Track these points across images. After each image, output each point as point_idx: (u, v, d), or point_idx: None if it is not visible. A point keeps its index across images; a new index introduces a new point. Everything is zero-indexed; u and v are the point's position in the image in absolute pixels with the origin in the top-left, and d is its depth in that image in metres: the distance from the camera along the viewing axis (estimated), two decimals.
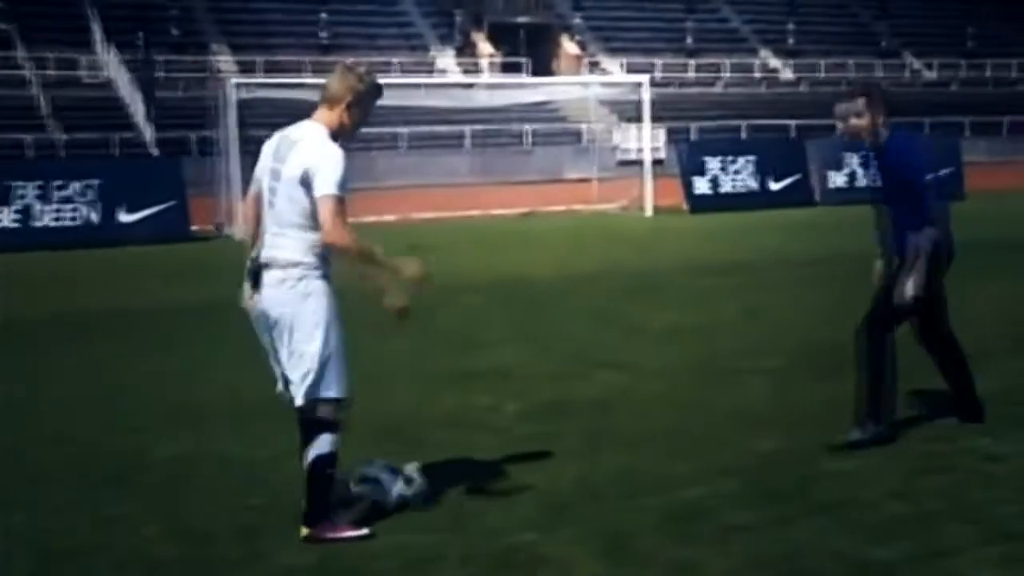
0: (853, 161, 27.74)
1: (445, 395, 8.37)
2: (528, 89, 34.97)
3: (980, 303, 11.83)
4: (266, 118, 29.81)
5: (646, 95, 26.94)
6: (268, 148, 5.57)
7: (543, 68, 45.83)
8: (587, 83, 37.09)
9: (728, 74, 48.44)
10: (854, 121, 6.66)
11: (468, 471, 6.34)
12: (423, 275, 5.46)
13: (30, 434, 7.62)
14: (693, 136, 39.50)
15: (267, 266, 5.43)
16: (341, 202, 5.25)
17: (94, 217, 21.50)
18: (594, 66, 46.78)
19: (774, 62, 51.20)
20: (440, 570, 5.03)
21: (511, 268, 16.42)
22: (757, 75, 49.47)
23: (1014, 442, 6.62)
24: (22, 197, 21.15)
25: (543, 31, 49.65)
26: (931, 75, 52.46)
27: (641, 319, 11.54)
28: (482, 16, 48.90)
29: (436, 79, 39.54)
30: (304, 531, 5.41)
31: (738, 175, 26.44)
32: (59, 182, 21.43)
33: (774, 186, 26.56)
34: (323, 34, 44.16)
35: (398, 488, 5.71)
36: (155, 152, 34.25)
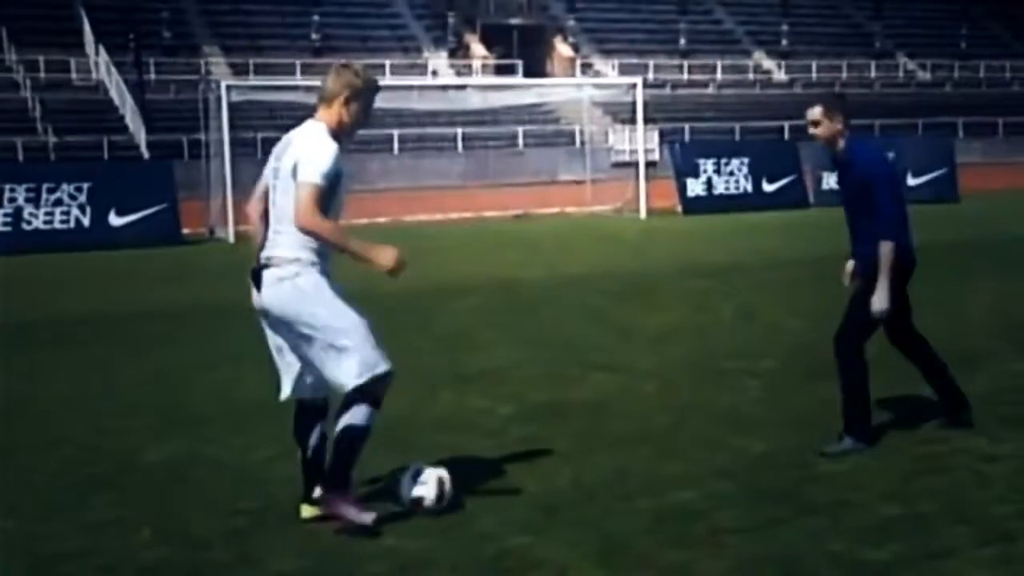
0: None
1: (439, 397, 8.34)
2: (521, 91, 34.95)
3: (975, 304, 11.86)
4: (258, 120, 29.87)
5: (639, 97, 26.94)
6: (275, 150, 5.66)
7: (536, 70, 45.84)
8: (580, 85, 37.09)
9: (721, 75, 48.47)
10: (812, 130, 6.62)
11: (461, 474, 6.23)
12: (398, 262, 5.42)
13: (19, 437, 7.58)
14: (687, 138, 39.50)
15: (266, 265, 5.46)
16: (319, 190, 5.27)
17: (85, 220, 21.44)
18: (587, 68, 46.81)
19: (767, 63, 51.24)
20: (433, 574, 5.00)
21: (505, 270, 16.39)
22: (751, 76, 49.51)
23: (1009, 442, 6.61)
24: (12, 200, 21.09)
25: (536, 33, 49.67)
26: (925, 76, 52.55)
27: (635, 321, 11.52)
28: (475, 18, 48.92)
29: (429, 81, 39.50)
30: (309, 510, 5.53)
31: (732, 177, 26.44)
32: (50, 185, 21.36)
33: (768, 188, 26.56)
34: (315, 36, 44.14)
35: (413, 489, 5.67)
36: (146, 155, 34.19)
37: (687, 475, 6.18)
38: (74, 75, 38.20)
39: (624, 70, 43.64)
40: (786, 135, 39.15)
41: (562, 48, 48.85)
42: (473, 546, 5.27)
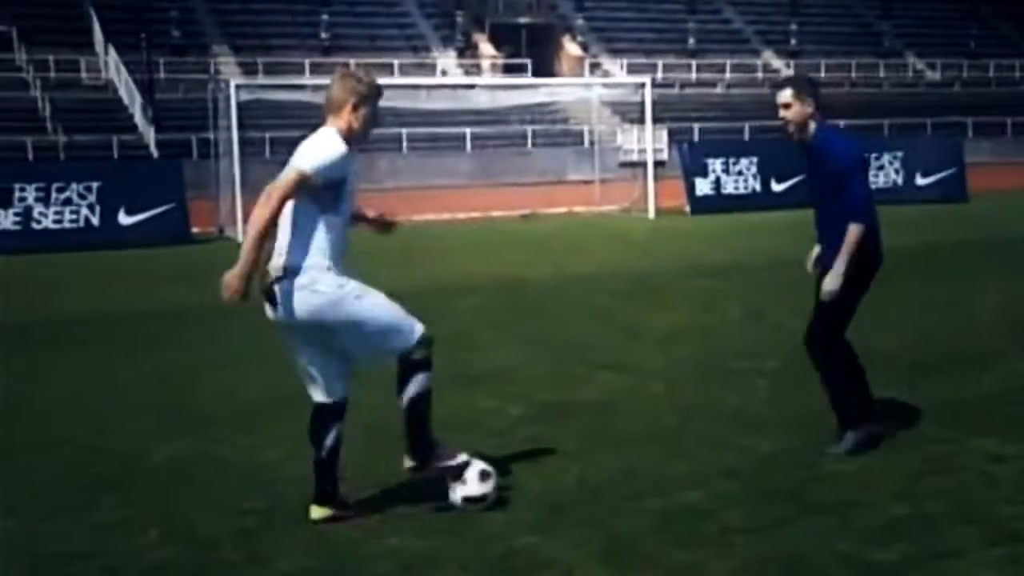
0: None
1: (446, 397, 8.25)
2: (530, 90, 34.97)
3: (983, 303, 11.83)
4: (267, 120, 29.93)
5: (648, 96, 26.92)
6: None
7: (545, 69, 45.82)
8: (589, 84, 37.08)
9: (730, 75, 48.42)
10: (782, 113, 6.40)
11: None
12: (228, 287, 5.39)
13: (21, 437, 7.59)
14: (695, 137, 39.46)
15: (280, 278, 5.45)
16: (301, 178, 5.29)
17: (94, 219, 21.50)
18: (596, 67, 46.78)
19: (776, 63, 51.17)
20: (440, 574, 5.01)
21: (512, 269, 16.39)
22: (759, 76, 49.44)
23: (1017, 442, 6.58)
24: (23, 199, 21.15)
25: (545, 32, 49.66)
26: (934, 75, 52.44)
27: (642, 320, 11.52)
28: (484, 17, 48.92)
29: (438, 80, 39.52)
30: (318, 511, 5.62)
31: (740, 176, 26.40)
32: (59, 184, 21.43)
33: (777, 187, 26.52)
34: (324, 35, 44.17)
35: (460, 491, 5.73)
36: (155, 154, 34.24)
37: (694, 475, 6.18)
38: (83, 74, 38.28)
39: (633, 69, 43.61)
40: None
41: (571, 47, 48.83)
42: (480, 546, 5.27)
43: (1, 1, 38.37)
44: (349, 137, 5.51)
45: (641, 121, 28.25)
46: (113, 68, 38.48)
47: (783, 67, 50.71)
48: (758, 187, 26.41)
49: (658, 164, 27.05)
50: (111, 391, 8.92)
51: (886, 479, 6.01)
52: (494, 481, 5.76)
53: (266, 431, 7.40)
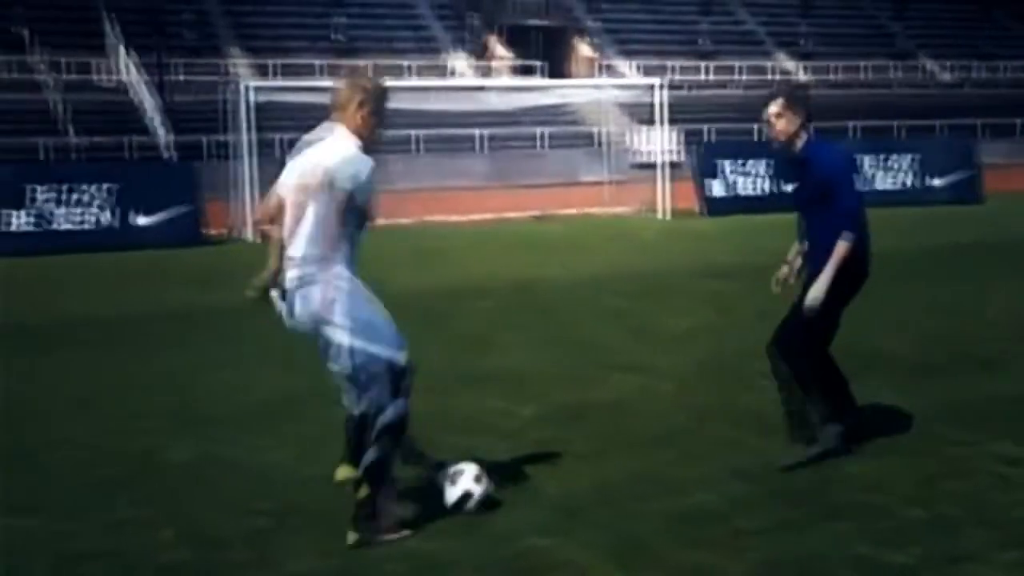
0: (869, 163, 27.67)
1: (458, 398, 8.35)
2: (542, 92, 34.95)
3: (995, 305, 11.80)
4: (281, 121, 29.94)
5: (660, 98, 26.91)
6: (296, 160, 5.64)
7: (557, 71, 45.81)
8: (601, 86, 37.07)
9: (743, 76, 48.37)
10: (773, 123, 6.34)
11: None
12: (255, 287, 5.58)
13: (41, 437, 7.63)
14: (708, 139, 39.42)
15: (295, 286, 5.47)
16: (346, 197, 5.33)
17: (109, 220, 21.58)
18: (608, 69, 46.74)
19: (789, 64, 51.10)
20: (453, 575, 5.02)
21: (525, 271, 16.40)
22: (772, 77, 49.36)
23: None
24: (38, 201, 21.24)
25: (557, 34, 49.65)
26: (946, 77, 52.31)
27: (655, 321, 11.52)
28: (497, 19, 48.91)
29: (451, 82, 39.55)
30: (344, 471, 5.52)
31: (753, 177, 26.37)
32: (75, 185, 21.52)
33: (789, 188, 26.47)
34: (338, 37, 44.24)
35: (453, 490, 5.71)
36: (169, 156, 34.33)
37: (707, 477, 6.18)
38: (98, 76, 38.40)
39: (645, 71, 43.59)
40: None
41: (583, 49, 48.82)
42: (493, 547, 5.28)
43: (16, 3, 38.48)
44: (360, 138, 5.51)
45: (653, 123, 28.24)
46: (127, 70, 38.59)
47: (795, 68, 50.65)
48: (771, 188, 26.37)
49: (671, 165, 27.03)
50: (121, 392, 8.95)
51: (900, 482, 6.00)
52: (487, 482, 5.74)
53: (274, 432, 7.43)
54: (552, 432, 7.29)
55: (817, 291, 6.20)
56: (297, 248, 5.46)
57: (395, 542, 5.36)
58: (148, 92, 37.51)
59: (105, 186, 21.61)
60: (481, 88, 35.40)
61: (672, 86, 32.15)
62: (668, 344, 10.23)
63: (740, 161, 26.35)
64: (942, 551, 5.05)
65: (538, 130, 40.68)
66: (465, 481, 5.69)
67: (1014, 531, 5.26)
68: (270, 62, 40.07)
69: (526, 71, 45.08)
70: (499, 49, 47.31)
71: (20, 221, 21.16)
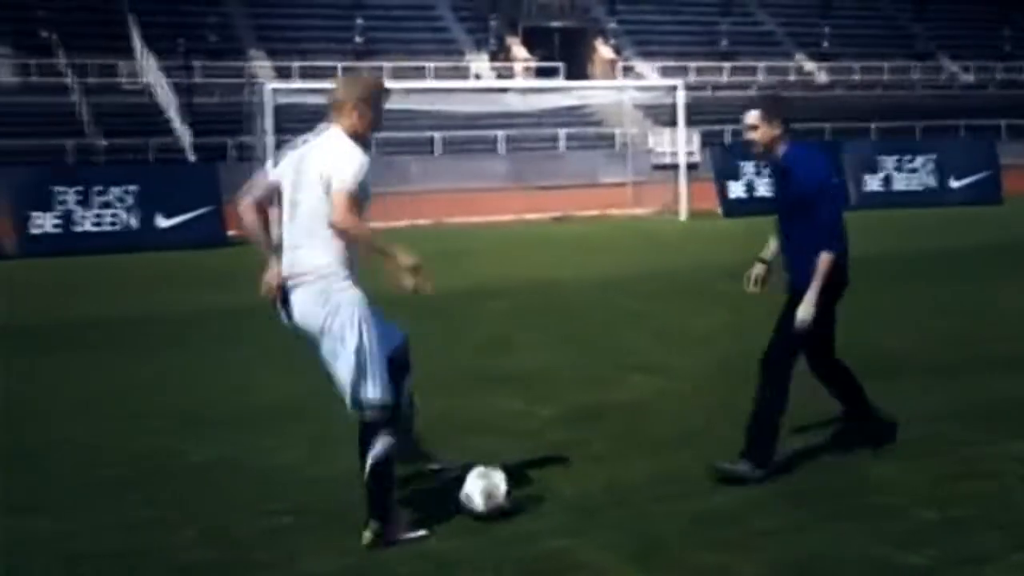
0: (889, 164, 27.64)
1: (477, 399, 8.39)
2: (562, 93, 35.00)
3: (1014, 306, 11.78)
4: (302, 123, 30.15)
5: (680, 99, 26.94)
6: (291, 157, 5.65)
7: (577, 72, 45.81)
8: (621, 87, 37.10)
9: (762, 77, 48.28)
10: (749, 135, 6.29)
11: None
12: (417, 266, 5.43)
13: (57, 437, 7.68)
14: (727, 140, 39.41)
15: (293, 285, 5.45)
16: (353, 196, 5.30)
17: (132, 222, 21.75)
18: (628, 70, 46.74)
19: (809, 65, 50.99)
20: (473, 574, 5.05)
21: (544, 272, 16.43)
22: (791, 78, 49.27)
23: None
24: (63, 202, 21.44)
25: (577, 35, 49.65)
26: (968, 77, 52.07)
27: (673, 323, 11.56)
28: (517, 21, 48.95)
29: (471, 84, 39.64)
30: (368, 535, 5.38)
31: (773, 179, 26.35)
32: (99, 187, 21.70)
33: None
34: (359, 39, 44.38)
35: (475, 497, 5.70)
36: (192, 158, 34.51)
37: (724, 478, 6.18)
38: (122, 79, 38.63)
39: (665, 72, 43.59)
40: (827, 137, 38.96)
41: (603, 50, 48.82)
42: (511, 548, 5.30)
43: (43, 7, 38.77)
44: (356, 137, 5.51)
45: (673, 124, 28.28)
46: (151, 72, 38.82)
47: (815, 69, 50.55)
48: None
49: (690, 167, 27.06)
50: (132, 393, 9.00)
51: (915, 483, 6.01)
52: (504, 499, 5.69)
53: (284, 432, 7.46)
54: (570, 433, 7.32)
55: (805, 313, 6.16)
56: (291, 247, 5.47)
57: (412, 542, 5.41)
58: (171, 94, 37.72)
59: (128, 188, 21.80)
60: (501, 90, 35.47)
61: (691, 87, 32.21)
62: (686, 345, 10.28)
63: (759, 162, 26.32)
64: (956, 552, 5.07)
65: (558, 131, 40.72)
66: (479, 486, 5.67)
67: None
68: (291, 64, 40.23)
69: (546, 73, 45.10)
70: (519, 51, 47.37)
71: (45, 223, 21.36)
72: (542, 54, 47.05)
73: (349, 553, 5.31)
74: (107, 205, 21.68)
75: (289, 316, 5.50)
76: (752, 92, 46.31)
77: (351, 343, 5.35)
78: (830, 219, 6.18)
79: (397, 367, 5.63)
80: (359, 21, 44.82)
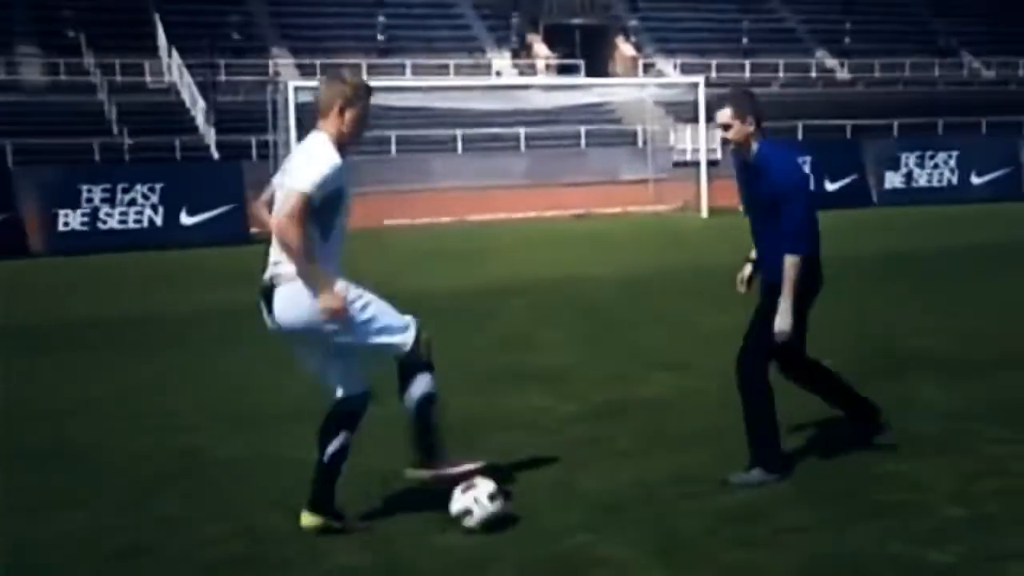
0: (910, 161, 27.61)
1: (500, 396, 8.43)
2: (583, 91, 35.06)
3: None
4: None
5: (702, 96, 26.96)
6: (285, 162, 5.71)
7: (599, 70, 45.86)
8: (642, 84, 37.12)
9: (784, 74, 48.23)
10: (722, 133, 6.16)
11: (522, 473, 6.38)
12: (335, 311, 5.34)
13: (87, 433, 7.76)
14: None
15: (274, 285, 5.45)
16: (305, 199, 5.23)
17: (157, 219, 21.94)
18: (649, 67, 46.75)
19: (830, 62, 50.88)
20: (495, 571, 5.07)
21: (566, 269, 16.48)
22: (812, 75, 49.21)
23: None
24: (90, 200, 21.65)
25: (599, 33, 49.69)
26: (989, 74, 51.89)
27: (696, 320, 11.58)
28: (538, 18, 49.03)
29: (492, 81, 39.73)
30: (421, 473, 5.66)
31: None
32: (124, 185, 21.91)
33: (831, 186, 26.47)
34: (381, 37, 44.53)
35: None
36: (216, 155, 34.72)
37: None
38: (148, 78, 38.88)
39: (686, 69, 43.57)
40: (848, 134, 38.90)
41: (624, 48, 48.83)
42: (535, 544, 5.32)
43: (70, 7, 39.05)
44: (340, 141, 5.47)
45: (694, 121, 28.31)
46: (176, 71, 39.05)
47: (836, 66, 50.45)
48: (811, 186, 26.34)
49: (712, 164, 27.09)
50: (161, 390, 9.09)
51: (942, 480, 6.00)
52: (502, 503, 5.57)
53: (313, 428, 7.52)
54: (593, 430, 7.34)
55: (783, 323, 6.05)
56: (274, 248, 5.49)
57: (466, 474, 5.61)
58: (196, 93, 37.94)
59: (153, 185, 22.00)
60: (523, 87, 35.54)
61: (712, 84, 32.15)
62: (708, 342, 10.27)
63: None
64: (983, 550, 5.05)
65: (579, 129, 40.77)
66: (471, 498, 5.52)
67: None
68: (314, 62, 40.40)
69: (567, 70, 45.16)
70: (540, 48, 47.42)
71: (72, 220, 21.58)
72: (563, 51, 47.12)
73: (376, 549, 5.35)
74: (132, 203, 21.88)
75: (271, 318, 5.50)
76: (774, 89, 46.36)
77: (355, 313, 5.41)
78: (799, 220, 6.02)
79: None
80: (381, 19, 44.97)
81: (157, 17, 40.78)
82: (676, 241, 20.58)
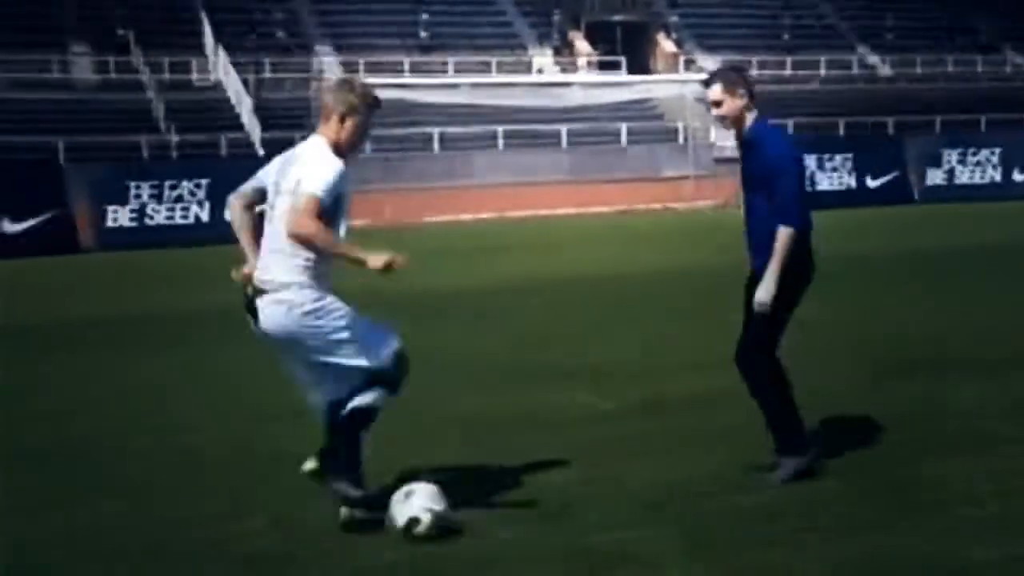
0: (952, 158, 27.58)
1: (537, 393, 8.47)
2: (625, 87, 35.13)
3: None
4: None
5: None
6: (278, 161, 5.66)
7: (639, 66, 45.93)
8: (684, 81, 37.18)
9: (825, 71, 48.08)
10: (714, 111, 6.15)
11: (556, 470, 6.41)
12: (388, 264, 5.28)
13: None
14: (790, 133, 39.37)
15: (262, 291, 5.44)
16: (319, 203, 5.22)
17: (203, 215, 22.35)
18: (690, 64, 46.77)
19: (872, 58, 50.68)
20: (531, 565, 5.09)
21: (605, 266, 16.58)
22: (854, 71, 49.01)
23: None
24: (138, 196, 22.10)
25: (640, 29, 49.69)
26: None
27: (734, 316, 11.67)
28: (579, 15, 49.13)
29: (534, 78, 39.93)
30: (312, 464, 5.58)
31: (835, 172, 26.39)
32: (172, 182, 22.35)
33: (872, 184, 26.49)
34: (423, 34, 44.85)
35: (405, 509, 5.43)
36: (261, 153, 35.13)
37: None
38: (194, 76, 39.38)
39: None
40: (890, 130, 38.81)
41: (665, 44, 48.87)
42: (566, 539, 5.33)
43: (120, 6, 39.63)
44: (338, 149, 5.44)
45: None
46: (222, 69, 39.54)
47: (878, 62, 50.24)
48: (852, 183, 26.40)
49: None
50: (202, 384, 9.23)
51: (975, 479, 5.96)
52: (446, 505, 5.44)
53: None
54: (629, 427, 7.36)
55: (765, 294, 5.93)
56: (266, 251, 5.48)
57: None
58: (241, 90, 38.40)
59: (199, 182, 22.42)
60: (564, 84, 35.70)
61: (754, 81, 32.16)
62: None
63: (822, 156, 26.38)
64: (1016, 548, 5.03)
65: (620, 125, 40.89)
66: (415, 506, 5.40)
67: None
68: (357, 59, 40.77)
69: (608, 67, 45.27)
70: (581, 45, 47.58)
71: (121, 217, 22.05)
72: (604, 48, 47.21)
73: (413, 544, 5.32)
74: (179, 199, 22.31)
75: (256, 321, 5.49)
76: (815, 85, 46.30)
77: (334, 324, 5.39)
78: (792, 194, 5.92)
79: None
80: (424, 16, 45.29)
81: (204, 15, 41.30)
82: (717, 237, 20.65)
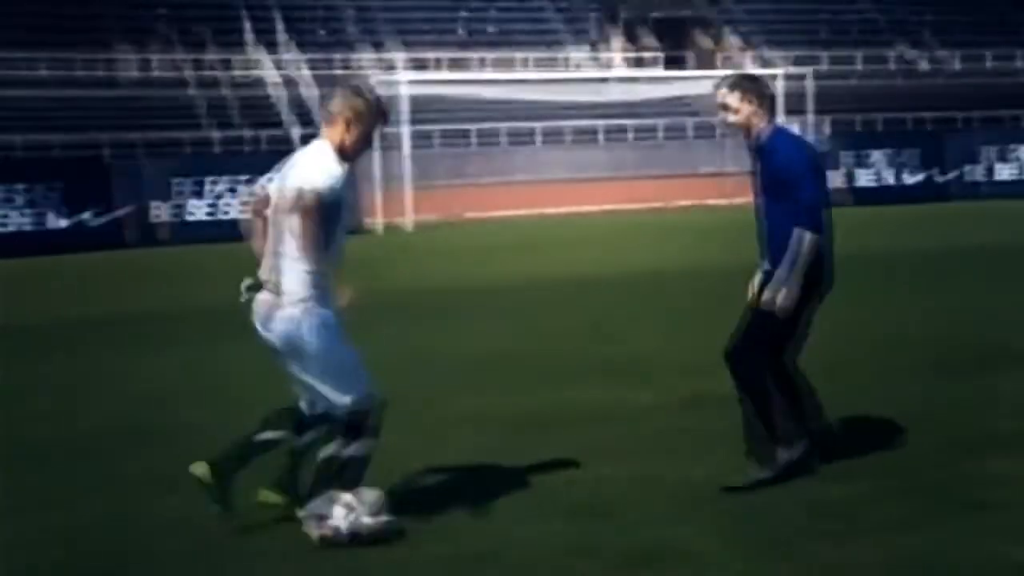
0: (991, 155, 27.46)
1: (577, 387, 8.57)
2: (661, 84, 35.12)
3: None
4: (403, 115, 30.79)
5: (779, 88, 27.01)
6: (283, 166, 5.71)
7: (676, 62, 45.92)
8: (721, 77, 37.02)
9: (863, 66, 47.87)
10: (727, 117, 6.06)
11: (603, 463, 6.49)
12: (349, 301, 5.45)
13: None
14: (827, 129, 39.24)
15: (263, 291, 5.51)
16: (318, 198, 5.29)
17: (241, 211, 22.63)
18: (727, 60, 46.69)
19: (910, 54, 50.40)
20: (572, 560, 5.11)
21: (643, 261, 16.70)
22: (892, 67, 48.75)
23: None
24: (180, 193, 22.40)
25: (677, 25, 49.69)
26: None
27: None
28: (617, 11, 49.17)
29: (571, 75, 40.00)
30: (268, 495, 5.65)
31: (873, 169, 26.32)
32: (212, 178, 22.62)
33: (909, 180, 26.41)
34: (461, 31, 45.03)
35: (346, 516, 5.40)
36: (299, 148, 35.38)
37: (834, 471, 6.13)
38: (235, 72, 39.72)
39: (764, 62, 43.47)
40: (929, 127, 38.60)
41: (702, 40, 48.84)
42: (612, 535, 5.37)
43: (164, 3, 40.08)
44: (342, 153, 5.48)
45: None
46: (262, 66, 39.86)
47: (917, 58, 49.96)
48: (891, 180, 26.30)
49: None
50: (237, 380, 9.29)
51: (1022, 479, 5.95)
52: (387, 515, 5.43)
53: (399, 423, 7.69)
54: (670, 421, 7.42)
55: (786, 298, 5.87)
56: (269, 253, 5.54)
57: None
58: (281, 87, 38.68)
59: (239, 178, 22.69)
60: (601, 80, 35.70)
61: (791, 77, 32.17)
62: None
63: (859, 152, 26.30)
64: None
65: (657, 122, 40.88)
66: (357, 519, 5.38)
67: None
68: (395, 56, 40.97)
69: (645, 63, 45.28)
70: (618, 41, 47.60)
71: (162, 214, 22.36)
72: (641, 44, 47.22)
73: (461, 541, 5.36)
74: (220, 196, 22.59)
75: (262, 326, 5.55)
76: (853, 81, 46.11)
77: (324, 356, 5.44)
78: (811, 197, 5.88)
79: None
80: (462, 13, 45.48)
81: (245, 13, 41.65)
82: (752, 235, 20.65)
